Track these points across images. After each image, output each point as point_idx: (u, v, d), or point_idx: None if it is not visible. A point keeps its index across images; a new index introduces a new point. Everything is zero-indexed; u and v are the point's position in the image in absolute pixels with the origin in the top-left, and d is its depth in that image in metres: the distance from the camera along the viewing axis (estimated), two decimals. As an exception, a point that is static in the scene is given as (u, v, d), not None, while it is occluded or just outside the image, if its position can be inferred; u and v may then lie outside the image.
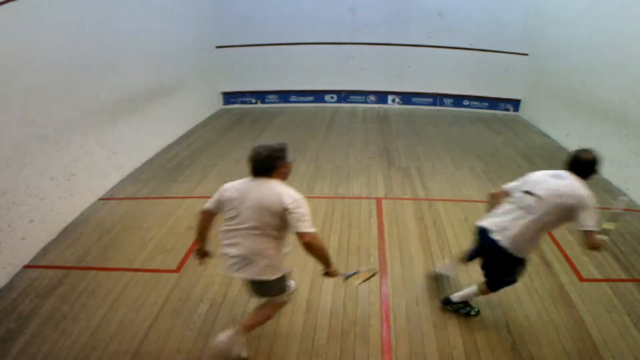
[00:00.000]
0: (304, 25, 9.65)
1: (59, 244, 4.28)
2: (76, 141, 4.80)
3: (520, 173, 6.04)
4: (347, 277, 2.93)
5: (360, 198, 5.27)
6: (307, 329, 3.16)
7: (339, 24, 9.67)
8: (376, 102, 10.33)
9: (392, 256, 4.04)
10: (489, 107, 9.95)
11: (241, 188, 2.59)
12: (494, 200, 3.10)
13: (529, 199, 2.86)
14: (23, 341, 3.02)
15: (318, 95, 10.33)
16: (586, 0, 7.01)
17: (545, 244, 4.30)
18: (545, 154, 6.99)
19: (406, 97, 10.23)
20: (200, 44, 8.99)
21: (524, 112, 9.58)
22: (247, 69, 9.99)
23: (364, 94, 10.32)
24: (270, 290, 2.71)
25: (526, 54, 9.30)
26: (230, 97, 10.30)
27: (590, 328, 3.16)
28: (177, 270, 3.84)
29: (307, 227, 2.45)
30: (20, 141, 3.92)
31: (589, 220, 2.77)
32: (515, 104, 9.85)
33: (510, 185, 3.06)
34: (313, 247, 2.48)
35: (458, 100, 10.08)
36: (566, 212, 2.83)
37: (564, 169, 2.98)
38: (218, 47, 9.73)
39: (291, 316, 3.28)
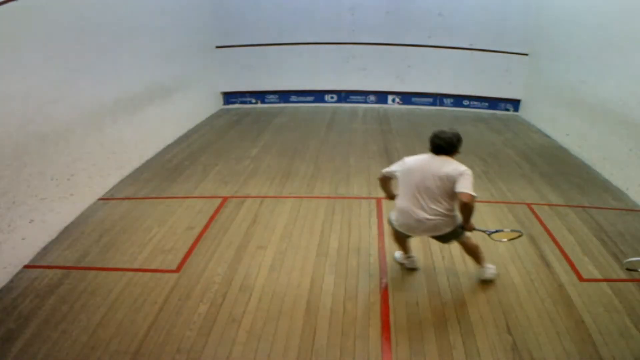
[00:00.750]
0: (304, 25, 9.65)
1: (59, 244, 4.28)
2: (76, 141, 4.80)
3: (520, 173, 6.13)
4: (490, 234, 3.56)
5: (360, 198, 5.27)
6: (307, 329, 3.16)
7: (339, 24, 9.68)
8: (376, 102, 10.33)
9: (392, 256, 4.04)
10: (489, 107, 9.95)
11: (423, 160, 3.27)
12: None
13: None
14: (23, 341, 3.02)
15: (318, 95, 10.33)
16: (586, 0, 7.02)
17: (545, 244, 4.30)
18: (545, 154, 6.99)
19: (406, 97, 10.23)
20: (200, 44, 8.99)
21: (524, 112, 9.58)
22: (247, 69, 9.99)
23: (364, 94, 10.32)
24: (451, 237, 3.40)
25: (526, 54, 9.30)
26: (230, 97, 10.30)
27: (590, 328, 3.16)
28: (177, 270, 3.84)
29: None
30: (20, 141, 3.92)
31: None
32: (515, 104, 9.85)
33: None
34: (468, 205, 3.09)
35: (458, 100, 10.08)
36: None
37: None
38: (218, 47, 9.73)
39: (291, 316, 3.28)
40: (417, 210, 3.22)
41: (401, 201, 3.32)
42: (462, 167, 3.15)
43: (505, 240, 3.76)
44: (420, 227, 3.27)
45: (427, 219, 3.21)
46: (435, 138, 3.24)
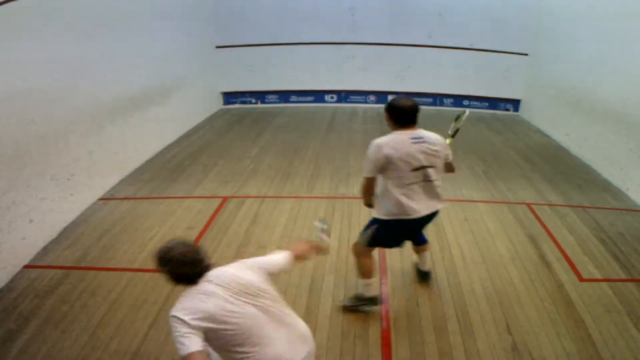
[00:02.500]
0: (304, 25, 9.64)
1: (59, 244, 4.28)
2: (76, 141, 4.80)
3: (520, 173, 6.13)
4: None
5: (360, 198, 5.25)
6: (307, 329, 3.16)
7: (339, 24, 9.67)
8: (376, 102, 10.32)
9: (392, 256, 4.03)
10: (489, 107, 9.95)
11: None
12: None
13: (423, 171, 2.82)
14: (23, 341, 3.03)
15: (318, 95, 10.33)
16: (586, 0, 7.02)
17: (545, 244, 4.30)
18: (545, 154, 6.99)
19: (406, 97, 10.21)
20: (200, 44, 8.98)
21: (524, 112, 9.58)
22: (247, 69, 9.98)
23: (364, 94, 10.32)
24: None
25: (526, 54, 9.29)
26: (230, 97, 10.29)
27: (590, 328, 3.16)
28: (177, 270, 3.84)
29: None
30: (20, 141, 3.92)
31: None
32: (515, 104, 9.85)
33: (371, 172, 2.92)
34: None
35: (458, 100, 10.07)
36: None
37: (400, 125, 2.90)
38: (218, 47, 9.72)
39: (291, 316, 3.28)
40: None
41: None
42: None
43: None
44: None
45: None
46: None
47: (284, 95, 10.31)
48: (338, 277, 3.74)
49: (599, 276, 3.80)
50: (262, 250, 4.15)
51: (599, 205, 5.20)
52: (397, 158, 2.75)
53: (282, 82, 10.13)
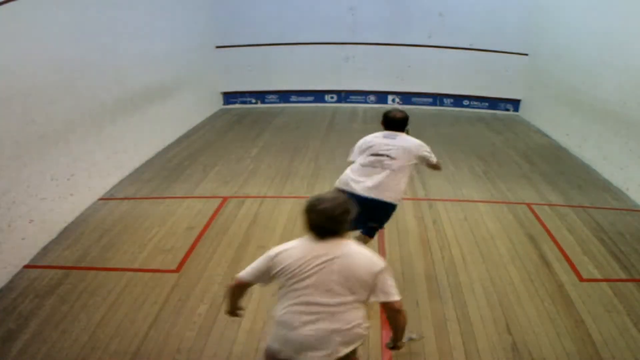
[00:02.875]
0: (304, 25, 9.64)
1: (59, 244, 4.28)
2: (76, 141, 4.80)
3: (520, 173, 6.13)
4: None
5: (360, 198, 5.27)
6: (307, 329, 3.15)
7: (339, 24, 9.66)
8: (376, 102, 10.32)
9: (392, 256, 4.04)
10: (489, 107, 9.94)
11: None
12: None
13: (386, 160, 3.26)
14: (23, 341, 3.02)
15: (318, 95, 10.32)
16: (586, 0, 7.02)
17: (545, 244, 4.30)
18: (545, 154, 6.99)
19: (406, 97, 10.22)
20: (200, 44, 8.98)
21: (524, 112, 9.58)
22: (247, 69, 9.98)
23: (364, 94, 10.31)
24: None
25: (526, 54, 9.29)
26: (230, 97, 10.29)
27: (590, 328, 3.16)
28: (177, 270, 3.84)
29: None
30: (20, 141, 3.92)
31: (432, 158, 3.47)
32: (515, 104, 9.84)
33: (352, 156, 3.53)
34: None
35: (458, 100, 10.07)
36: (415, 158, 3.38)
37: (385, 129, 3.52)
38: (218, 47, 9.71)
39: (291, 316, 3.28)
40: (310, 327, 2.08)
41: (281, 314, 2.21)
42: (379, 260, 2.21)
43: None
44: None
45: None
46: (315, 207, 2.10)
47: (284, 95, 10.31)
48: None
49: (599, 276, 3.80)
50: (262, 250, 4.12)
51: (599, 205, 5.20)
52: (369, 141, 3.46)
53: (282, 82, 10.12)
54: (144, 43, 6.42)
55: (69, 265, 3.93)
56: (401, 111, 3.53)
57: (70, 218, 4.67)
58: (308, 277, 2.03)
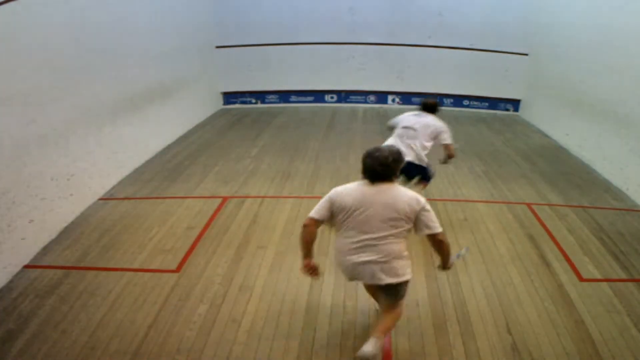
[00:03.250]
0: (304, 25, 9.64)
1: (59, 244, 4.28)
2: (76, 141, 4.80)
3: (520, 173, 6.14)
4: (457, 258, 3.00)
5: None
6: (307, 329, 3.16)
7: (339, 24, 9.67)
8: (376, 102, 10.32)
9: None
10: (489, 107, 9.95)
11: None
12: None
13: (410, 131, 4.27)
14: (23, 341, 3.02)
15: (318, 95, 10.33)
16: (586, 0, 7.02)
17: (545, 244, 4.30)
18: (545, 154, 6.99)
19: (406, 97, 10.22)
20: (200, 44, 8.98)
21: (524, 112, 9.58)
22: (247, 69, 9.98)
23: (364, 94, 10.31)
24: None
25: (526, 54, 9.29)
26: (230, 97, 10.29)
27: (590, 328, 3.16)
28: (177, 270, 3.84)
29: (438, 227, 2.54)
30: (20, 141, 3.92)
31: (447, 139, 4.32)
32: (515, 104, 9.84)
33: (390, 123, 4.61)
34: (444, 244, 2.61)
35: (458, 100, 10.07)
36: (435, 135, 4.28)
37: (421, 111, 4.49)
38: (218, 47, 9.72)
39: (291, 316, 3.28)
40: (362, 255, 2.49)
41: (340, 247, 2.59)
42: (420, 198, 2.51)
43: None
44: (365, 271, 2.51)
45: (367, 269, 2.49)
46: (373, 163, 2.48)
47: (284, 95, 10.31)
48: (338, 277, 3.73)
49: (599, 276, 3.80)
50: (262, 250, 4.15)
51: (599, 205, 5.20)
52: (402, 118, 4.50)
53: (282, 82, 10.13)
54: (144, 43, 6.42)
55: (69, 265, 3.93)
56: (434, 98, 4.70)
57: (70, 218, 4.67)
58: (360, 213, 2.43)
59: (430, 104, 4.45)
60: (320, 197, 2.65)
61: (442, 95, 10.08)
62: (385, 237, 2.43)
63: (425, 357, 2.92)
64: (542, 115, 8.59)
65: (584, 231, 4.56)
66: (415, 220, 2.46)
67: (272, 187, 5.59)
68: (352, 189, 2.52)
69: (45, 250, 4.16)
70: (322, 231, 4.51)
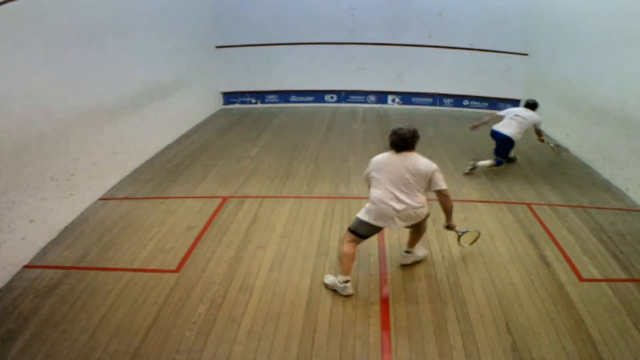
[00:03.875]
0: (304, 25, 9.65)
1: (59, 244, 4.28)
2: (76, 141, 4.80)
3: (520, 173, 6.15)
4: (462, 234, 3.97)
5: (360, 198, 5.26)
6: (307, 329, 3.16)
7: (339, 24, 9.67)
8: (376, 102, 10.33)
9: (392, 256, 4.04)
10: (489, 107, 9.94)
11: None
12: (493, 117, 6.36)
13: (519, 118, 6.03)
14: (23, 341, 3.02)
15: (318, 95, 10.33)
16: (586, 0, 7.02)
17: (545, 244, 4.31)
18: (545, 154, 6.98)
19: (406, 97, 10.23)
20: (200, 44, 8.99)
21: (524, 112, 9.57)
22: (247, 69, 9.99)
23: (364, 94, 10.32)
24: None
25: (526, 54, 9.30)
26: (230, 97, 10.30)
27: (590, 328, 3.16)
28: (177, 270, 3.84)
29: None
30: (20, 141, 3.92)
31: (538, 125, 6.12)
32: (515, 104, 9.81)
33: (500, 113, 6.28)
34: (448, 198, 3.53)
35: (458, 100, 10.07)
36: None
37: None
38: (218, 47, 9.73)
39: (291, 316, 3.28)
40: (392, 203, 3.32)
41: (376, 197, 3.38)
42: (432, 164, 3.39)
43: (467, 245, 4.10)
44: (395, 218, 3.35)
45: (401, 210, 3.34)
46: (395, 135, 3.39)
47: (284, 95, 10.32)
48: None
49: (599, 276, 3.80)
50: (262, 250, 4.15)
51: (599, 205, 5.20)
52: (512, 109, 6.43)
53: (282, 82, 10.14)
54: (144, 43, 6.42)
55: (69, 265, 3.93)
56: (533, 100, 6.44)
57: (70, 218, 4.67)
58: (388, 172, 3.35)
59: (530, 102, 6.29)
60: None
61: (442, 95, 10.10)
62: (408, 190, 3.32)
63: (425, 357, 2.92)
64: (542, 116, 8.47)
65: (584, 231, 4.57)
66: (429, 179, 3.34)
67: (272, 187, 5.59)
68: (384, 156, 3.47)
69: (45, 250, 4.16)
70: (322, 236, 4.51)
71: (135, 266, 3.91)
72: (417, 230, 3.72)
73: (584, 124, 6.81)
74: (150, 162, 6.46)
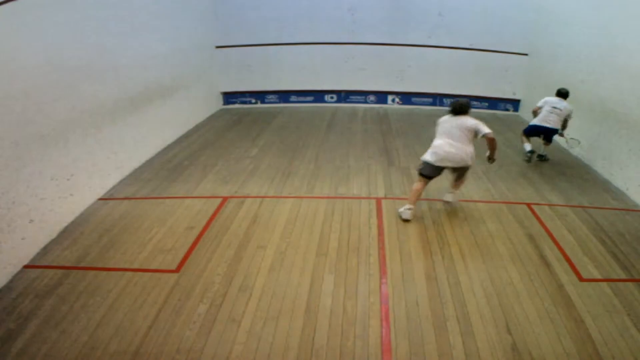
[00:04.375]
0: (304, 25, 9.65)
1: (59, 244, 4.28)
2: (76, 141, 4.80)
3: (520, 173, 6.15)
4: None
5: (360, 198, 5.27)
6: (307, 329, 3.16)
7: (339, 24, 9.67)
8: (376, 102, 10.33)
9: (392, 256, 4.04)
10: (489, 107, 9.95)
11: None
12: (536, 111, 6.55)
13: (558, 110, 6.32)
14: (23, 341, 3.02)
15: (318, 95, 10.33)
16: (586, 0, 7.01)
17: (545, 244, 4.31)
18: (545, 154, 6.98)
19: (406, 97, 10.23)
20: (200, 44, 8.98)
21: (524, 112, 9.57)
22: (247, 69, 9.98)
23: (364, 94, 10.32)
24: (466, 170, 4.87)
25: (526, 54, 9.30)
26: (230, 97, 10.30)
27: (590, 328, 3.16)
28: (177, 270, 3.84)
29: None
30: (20, 141, 3.92)
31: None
32: (515, 104, 9.85)
33: (539, 104, 6.52)
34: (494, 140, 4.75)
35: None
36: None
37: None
38: (218, 47, 9.72)
39: (291, 316, 3.28)
40: (447, 148, 4.54)
41: (439, 143, 4.60)
42: (476, 120, 4.67)
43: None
44: (454, 158, 4.55)
45: (457, 154, 4.53)
46: (454, 103, 4.79)
47: (284, 95, 10.32)
48: (338, 277, 3.74)
49: (599, 276, 3.80)
50: (262, 250, 4.15)
51: (599, 205, 5.21)
52: (549, 101, 6.54)
53: (282, 82, 10.13)
54: (144, 43, 6.42)
55: (69, 265, 3.93)
56: (565, 88, 6.48)
57: (70, 218, 4.67)
58: (447, 127, 4.64)
59: (563, 92, 6.37)
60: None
61: (442, 95, 10.09)
62: (461, 141, 4.55)
63: (425, 357, 2.92)
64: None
65: (584, 231, 4.57)
66: (475, 131, 4.57)
67: (272, 187, 5.59)
68: (445, 117, 4.75)
69: (45, 250, 4.16)
70: (322, 236, 4.51)
71: (135, 266, 3.91)
72: (461, 175, 4.83)
73: (584, 124, 6.80)
74: (150, 162, 6.46)
